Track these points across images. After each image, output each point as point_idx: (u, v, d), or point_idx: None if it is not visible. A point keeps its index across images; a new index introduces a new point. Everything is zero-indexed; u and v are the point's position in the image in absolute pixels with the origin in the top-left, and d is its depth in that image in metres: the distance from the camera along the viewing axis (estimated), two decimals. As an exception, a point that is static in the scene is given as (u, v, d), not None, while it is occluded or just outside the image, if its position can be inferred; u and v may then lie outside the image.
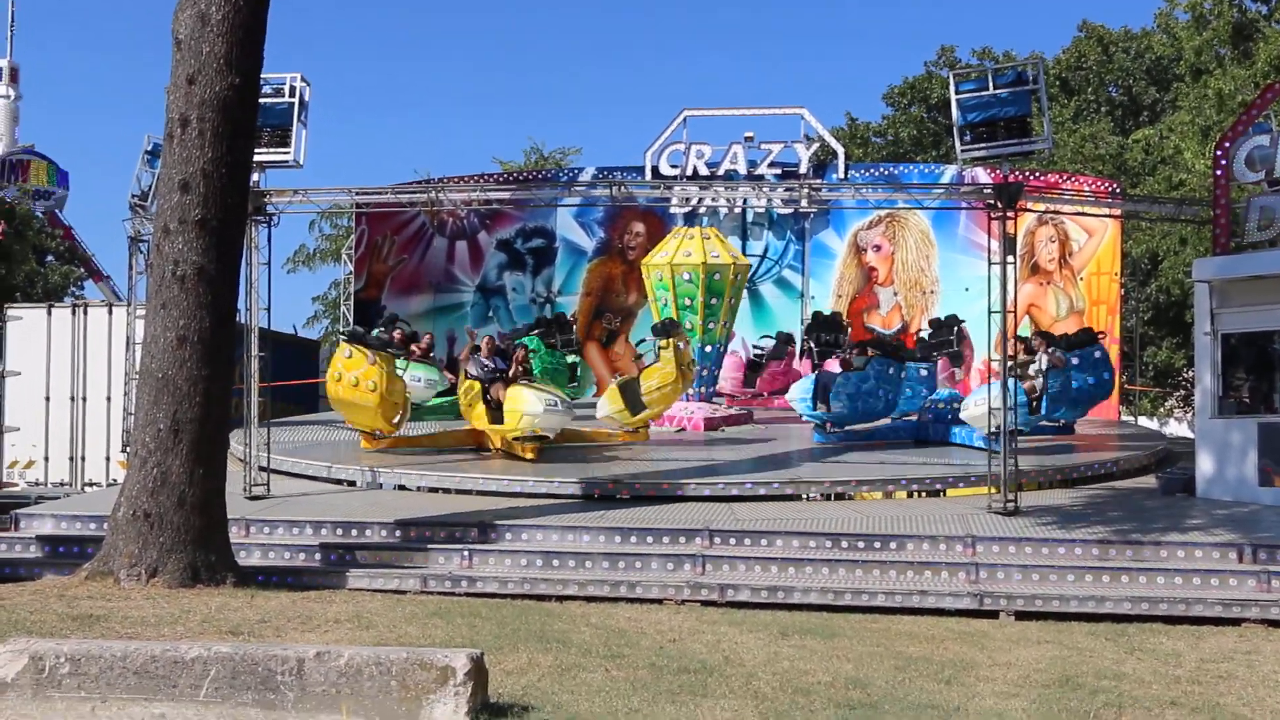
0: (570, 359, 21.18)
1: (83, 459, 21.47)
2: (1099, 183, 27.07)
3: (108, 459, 21.23)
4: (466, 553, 13.26)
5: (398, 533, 13.73)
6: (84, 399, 21.54)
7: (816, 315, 24.18)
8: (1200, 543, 13.17)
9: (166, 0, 11.99)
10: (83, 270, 51.62)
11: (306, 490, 16.09)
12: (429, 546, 13.44)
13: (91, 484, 21.26)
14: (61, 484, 21.37)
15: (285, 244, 58.15)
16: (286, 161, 15.74)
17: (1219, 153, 16.61)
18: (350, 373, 17.07)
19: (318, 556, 13.39)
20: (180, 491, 11.52)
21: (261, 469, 15.68)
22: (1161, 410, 37.16)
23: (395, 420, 17.71)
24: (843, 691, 8.38)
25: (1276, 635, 11.55)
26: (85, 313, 21.99)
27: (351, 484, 16.49)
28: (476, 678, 6.83)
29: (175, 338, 11.61)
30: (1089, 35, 45.01)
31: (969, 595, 12.42)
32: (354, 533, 13.78)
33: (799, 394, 19.08)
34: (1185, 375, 36.42)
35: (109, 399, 21.29)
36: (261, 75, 12.51)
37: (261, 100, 13.47)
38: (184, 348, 11.61)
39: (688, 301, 18.35)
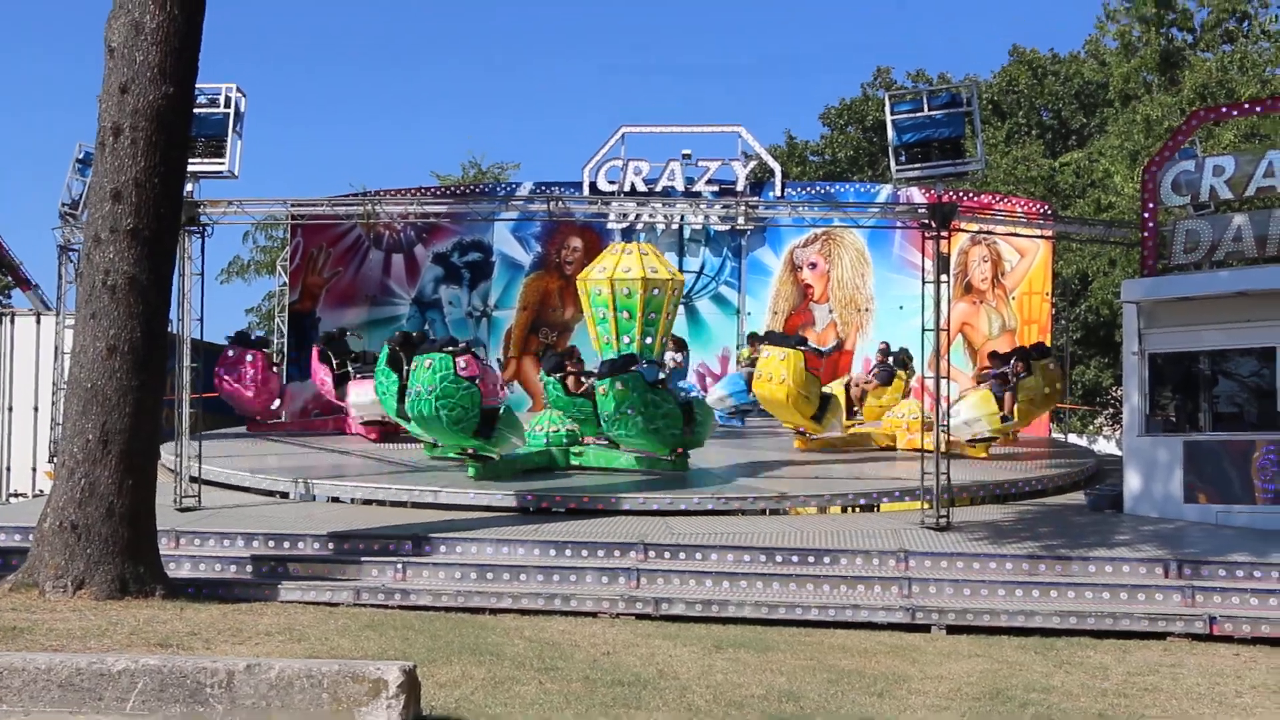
0: None
1: (8, 470, 21.14)
2: (1031, 204, 27.46)
3: (34, 470, 20.89)
4: (400, 565, 13.18)
5: (330, 545, 13.62)
6: (10, 409, 21.21)
7: (770, 334, 24.43)
8: (1127, 558, 13.37)
9: (98, 5, 11.85)
10: (9, 279, 50.69)
11: (238, 502, 15.93)
12: (362, 559, 13.34)
13: (17, 495, 20.92)
14: (-13, 495, 21.01)
15: (219, 255, 57.53)
16: (221, 172, 15.62)
17: (1146, 177, 16.93)
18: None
19: (249, 569, 13.25)
20: (109, 503, 11.36)
21: (193, 480, 15.51)
22: (1091, 428, 37.68)
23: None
24: (776, 705, 8.42)
25: (1200, 649, 11.75)
26: (12, 322, 21.67)
27: (284, 496, 16.33)
28: (409, 690, 6.80)
29: (105, 348, 11.46)
30: (1020, 60, 45.63)
31: (901, 609, 12.52)
32: (286, 545, 13.65)
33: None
34: (1114, 394, 36.96)
35: (36, 409, 20.97)
36: (196, 85, 12.40)
37: (196, 110, 13.37)
38: (114, 358, 11.45)
39: (626, 316, 18.36)
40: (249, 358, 22.08)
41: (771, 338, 20.11)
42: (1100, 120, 41.50)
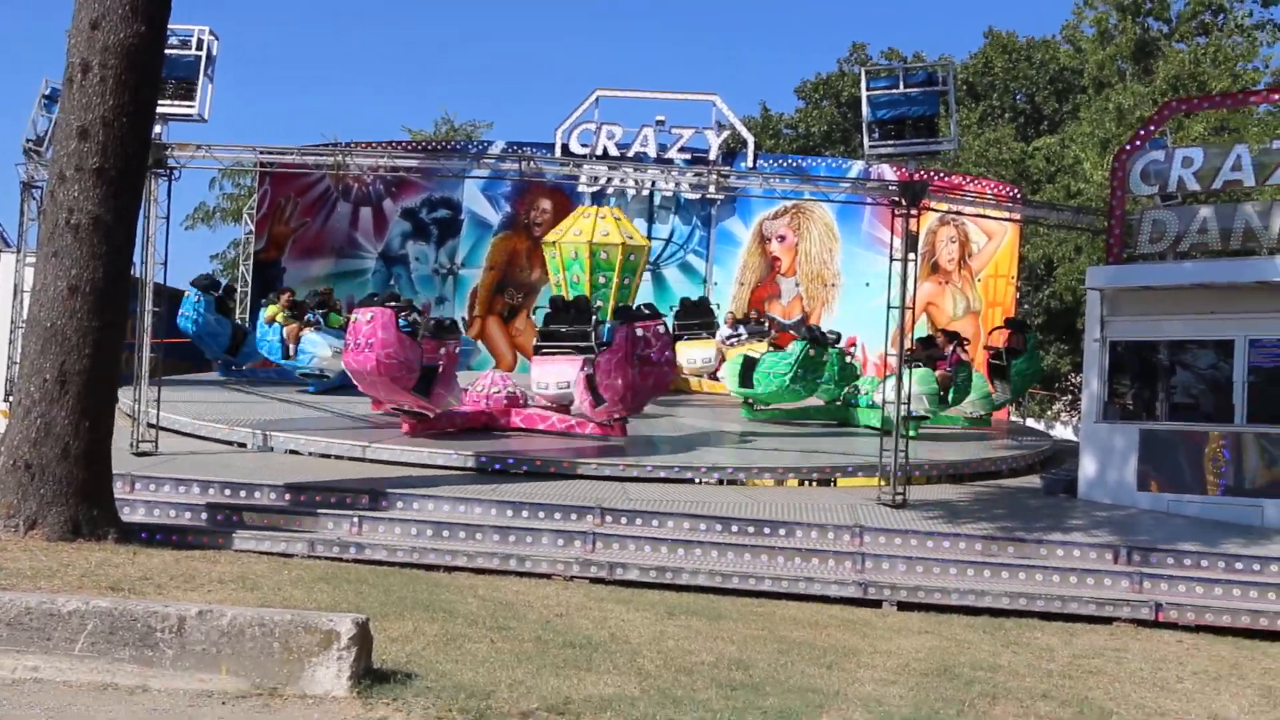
0: None
1: (-37, 407, 20.89)
2: (1000, 187, 27.57)
3: (-11, 408, 20.66)
4: (356, 519, 13.14)
5: (287, 496, 13.56)
6: (-33, 346, 20.95)
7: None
8: (1078, 543, 13.50)
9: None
10: (-30, 215, 50.10)
11: (195, 449, 15.84)
12: (318, 511, 13.30)
13: (-30, 433, 20.71)
14: (-61, 432, 20.79)
15: (185, 200, 56.96)
16: (190, 115, 15.47)
17: (1116, 165, 17.01)
18: None
19: (204, 516, 13.17)
20: (64, 443, 11.25)
21: (150, 425, 15.40)
22: (1049, 413, 38.01)
23: None
24: (725, 672, 8.47)
25: (1145, 634, 11.90)
26: (-28, 258, 21.39)
27: (242, 445, 16.25)
28: (361, 643, 6.79)
29: (66, 287, 11.32)
30: (995, 43, 45.76)
31: (854, 584, 12.61)
32: (242, 494, 13.58)
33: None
34: (1073, 379, 37.29)
35: (-8, 347, 20.72)
36: (169, 25, 12.24)
37: (167, 51, 13.19)
38: (75, 298, 11.32)
39: (601, 280, 18.43)
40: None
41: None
42: (1073, 106, 41.72)
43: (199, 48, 15.32)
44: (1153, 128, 17.28)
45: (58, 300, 11.34)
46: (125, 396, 15.87)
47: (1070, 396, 38.22)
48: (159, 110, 13.77)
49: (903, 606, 12.41)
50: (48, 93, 18.82)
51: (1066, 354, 36.56)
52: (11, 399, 12.51)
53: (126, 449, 14.49)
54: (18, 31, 79.20)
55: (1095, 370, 16.55)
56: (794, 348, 19.64)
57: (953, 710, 7.86)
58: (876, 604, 12.45)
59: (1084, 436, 16.81)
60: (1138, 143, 16.92)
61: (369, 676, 6.85)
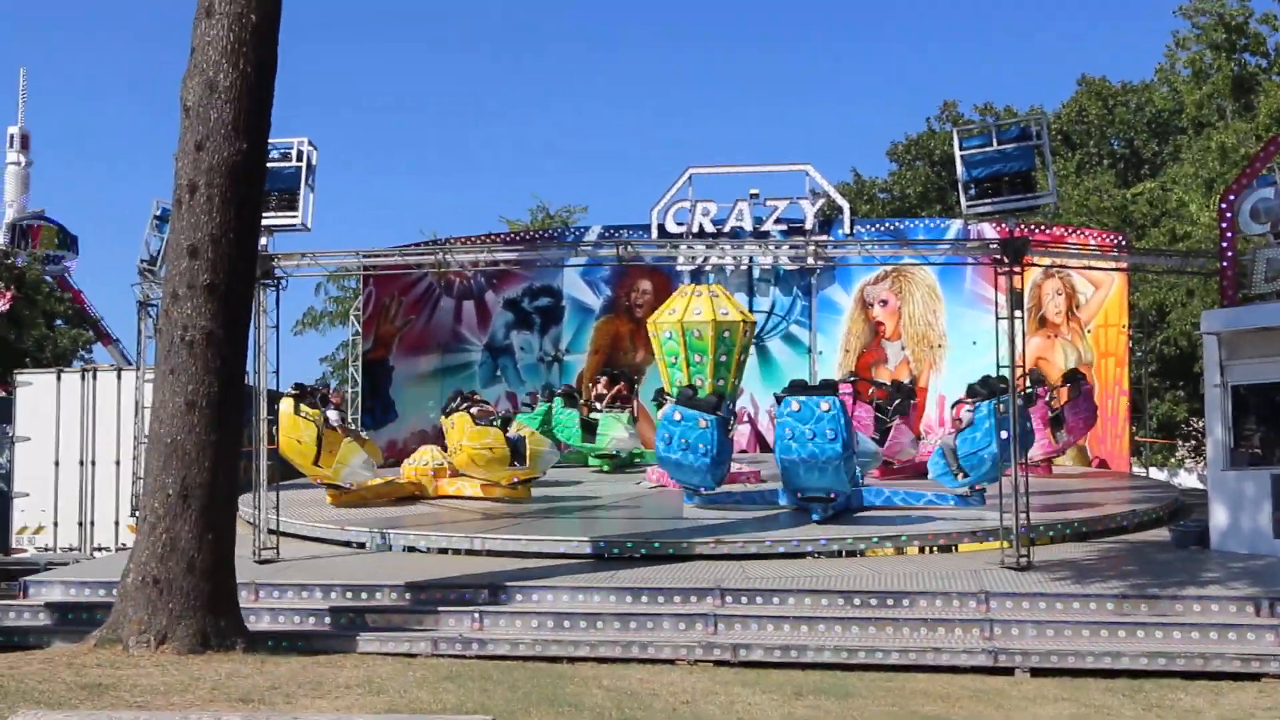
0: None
1: (92, 524, 21.41)
2: (1104, 235, 27.13)
3: (117, 523, 21.15)
4: (477, 614, 13.18)
5: (407, 595, 13.65)
6: (93, 463, 21.50)
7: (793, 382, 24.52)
8: (1217, 596, 13.04)
9: (175, 66, 12.07)
10: (91, 333, 51.77)
11: (316, 553, 16.03)
12: (439, 609, 13.36)
13: (101, 549, 21.19)
14: (70, 549, 21.29)
15: (293, 306, 58.30)
16: (294, 225, 15.78)
17: (1224, 205, 16.65)
18: None
19: (327, 620, 13.31)
20: (189, 557, 11.48)
21: (270, 532, 15.63)
22: (1172, 461, 37.04)
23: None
24: (859, 753, 8.29)
25: (1296, 690, 11.42)
26: (94, 377, 22.00)
27: (361, 546, 16.42)
28: (489, 744, 6.77)
29: (184, 403, 11.61)
30: (1088, 89, 45.28)
31: (984, 652, 12.30)
32: (364, 595, 13.71)
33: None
34: (1195, 425, 36.32)
35: (118, 463, 21.25)
36: (269, 140, 12.59)
37: (269, 165, 13.57)
38: (193, 413, 11.61)
39: (698, 358, 18.41)
40: None
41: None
42: (1173, 148, 41.04)
43: (299, 159, 15.69)
44: (1259, 164, 16.89)
45: (176, 416, 11.63)
46: (245, 504, 16.18)
47: (1194, 442, 37.20)
48: (264, 222, 14.14)
49: (1035, 673, 12.07)
50: (159, 213, 19.38)
51: (1183, 400, 35.65)
52: (137, 515, 12.80)
53: (249, 557, 14.71)
54: (130, 154, 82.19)
55: (1218, 416, 16.08)
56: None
57: (1098, 783, 7.59)
58: (1009, 671, 12.12)
59: (1212, 485, 16.30)
60: (1245, 180, 16.55)
61: (499, 778, 6.81)
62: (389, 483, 19.89)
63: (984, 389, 16.71)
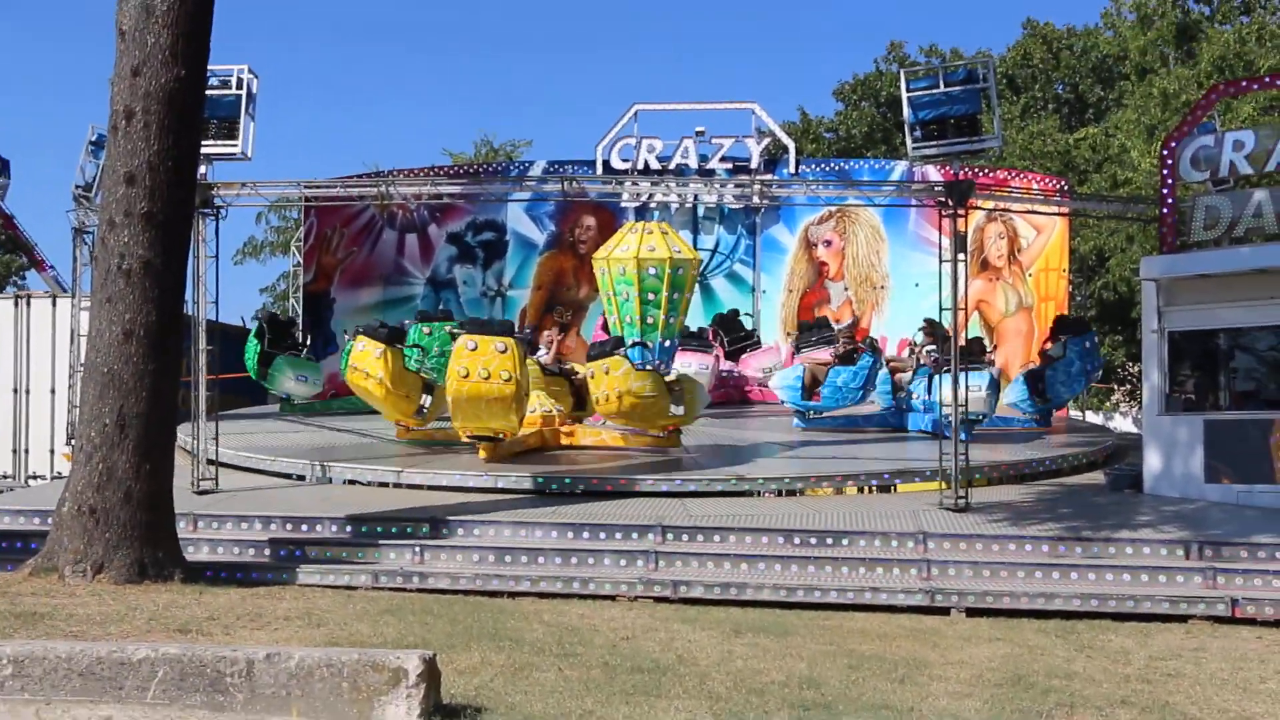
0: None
1: (26, 452, 21.15)
2: (1047, 180, 27.28)
3: (52, 452, 20.91)
4: (418, 548, 13.16)
5: (348, 528, 13.61)
6: (28, 391, 21.22)
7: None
8: (1148, 539, 13.29)
9: (112, -11, 11.74)
10: (25, 260, 50.74)
11: (255, 484, 15.92)
12: (380, 542, 13.33)
13: (36, 477, 20.95)
14: (5, 477, 21.04)
15: (233, 236, 57.56)
16: (234, 154, 15.53)
17: (1165, 152, 16.77)
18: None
19: (267, 552, 13.24)
20: (126, 487, 11.34)
21: (209, 463, 15.50)
22: (1107, 405, 37.57)
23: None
24: (797, 692, 8.37)
25: (1222, 632, 11.68)
26: (29, 304, 21.65)
27: (300, 478, 16.32)
28: (429, 679, 6.76)
29: (121, 332, 11.42)
30: (1034, 33, 45.30)
31: (921, 592, 12.47)
32: (304, 528, 13.65)
33: (785, 383, 20.42)
34: (1130, 370, 36.83)
35: (53, 391, 20.97)
36: (208, 67, 12.33)
37: (208, 92, 13.31)
38: (130, 342, 11.41)
39: (651, 296, 18.35)
40: None
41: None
42: (1117, 94, 41.23)
43: (239, 87, 15.40)
44: (1200, 112, 17.02)
45: (113, 345, 11.43)
46: (184, 434, 16.01)
47: (1129, 387, 37.75)
48: (203, 151, 13.90)
49: (971, 613, 12.26)
50: (94, 139, 19.03)
51: (1121, 345, 36.11)
52: (73, 444, 12.62)
53: (187, 488, 14.58)
54: (63, 80, 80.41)
55: (1155, 362, 16.30)
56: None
57: (1031, 721, 7.72)
58: (945, 611, 12.30)
59: (1147, 430, 16.56)
60: (1186, 128, 16.68)
61: (439, 713, 6.82)
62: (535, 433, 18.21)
63: (935, 329, 17.49)
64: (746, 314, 26.51)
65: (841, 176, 27.08)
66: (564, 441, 18.22)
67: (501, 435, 16.39)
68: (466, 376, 15.43)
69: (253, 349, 22.26)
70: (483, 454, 16.55)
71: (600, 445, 18.07)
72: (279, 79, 69.58)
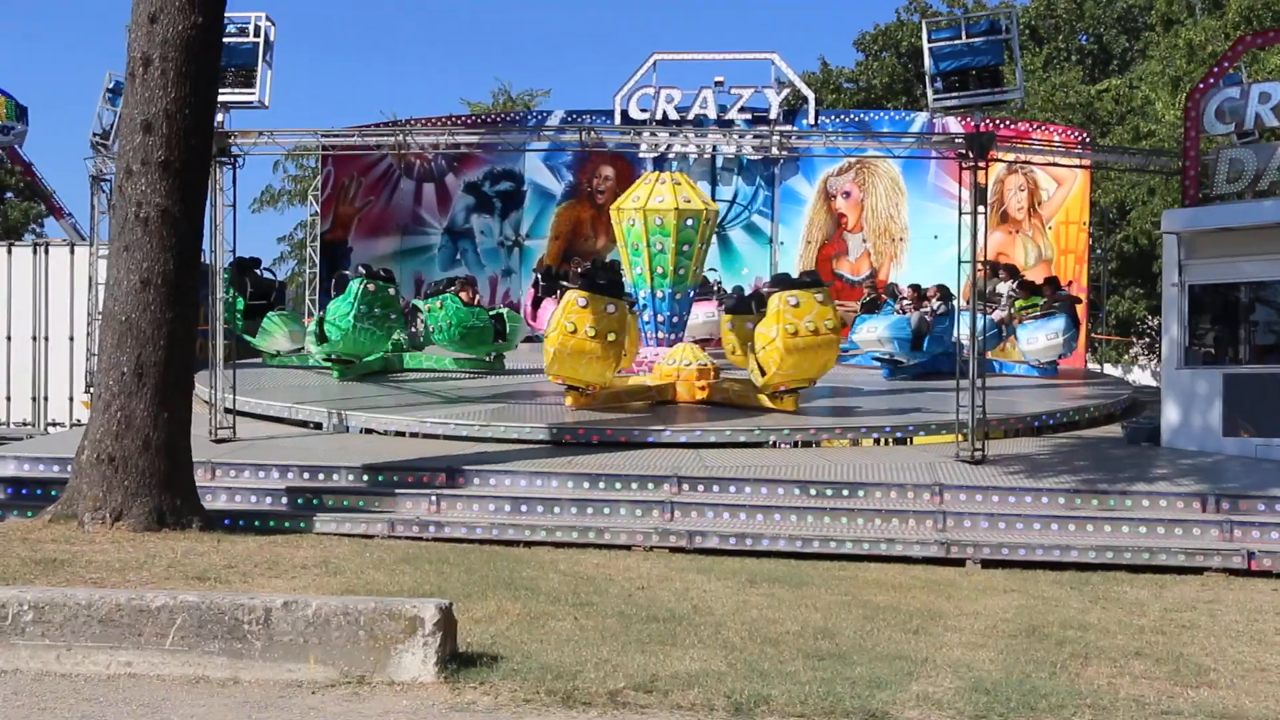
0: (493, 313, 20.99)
1: (45, 399, 21.26)
2: (1068, 132, 27.05)
3: (71, 399, 21.00)
4: (434, 498, 13.23)
5: (365, 477, 13.67)
6: (46, 339, 21.30)
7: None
8: (1165, 492, 13.28)
9: (129, -66, 11.68)
10: (43, 207, 50.80)
11: (273, 433, 15.99)
12: (396, 491, 13.40)
13: (55, 424, 21.07)
14: (24, 424, 21.15)
15: (250, 185, 57.56)
16: (251, 102, 15.48)
17: (1189, 104, 16.59)
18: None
19: (284, 500, 13.32)
20: (145, 435, 11.39)
21: (227, 411, 15.56)
22: (1126, 358, 37.43)
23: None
24: (811, 642, 8.40)
25: (1238, 584, 11.68)
26: (47, 252, 21.68)
27: (318, 427, 16.38)
28: (445, 627, 6.79)
29: (139, 280, 11.43)
30: (1059, -18, 44.73)
31: (936, 543, 12.49)
32: (321, 476, 13.72)
33: (892, 333, 20.43)
34: (1149, 324, 36.64)
35: (71, 339, 21.05)
36: (225, 14, 12.27)
37: (225, 40, 13.26)
38: (147, 290, 11.43)
39: (659, 246, 18.30)
40: None
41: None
42: (1142, 45, 40.76)
43: (257, 35, 15.33)
44: (1226, 64, 16.81)
45: (131, 294, 11.45)
46: (202, 383, 16.07)
47: (1148, 340, 37.58)
48: (221, 99, 13.86)
49: (986, 565, 12.29)
50: (111, 86, 18.97)
51: (1142, 298, 35.91)
52: (92, 392, 12.68)
53: (205, 436, 14.64)
54: (81, 26, 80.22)
55: (1175, 315, 16.20)
56: (353, 284, 18.89)
57: (1044, 673, 7.72)
58: (960, 563, 12.33)
59: (1165, 383, 16.49)
60: (1211, 80, 16.49)
61: (455, 661, 6.86)
62: (641, 387, 17.64)
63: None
64: (712, 269, 25.92)
65: (861, 128, 26.92)
66: (698, 397, 17.33)
67: (590, 388, 16.51)
68: (574, 332, 15.52)
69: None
70: (569, 402, 16.71)
71: (728, 402, 17.15)
72: (297, 27, 69.39)
